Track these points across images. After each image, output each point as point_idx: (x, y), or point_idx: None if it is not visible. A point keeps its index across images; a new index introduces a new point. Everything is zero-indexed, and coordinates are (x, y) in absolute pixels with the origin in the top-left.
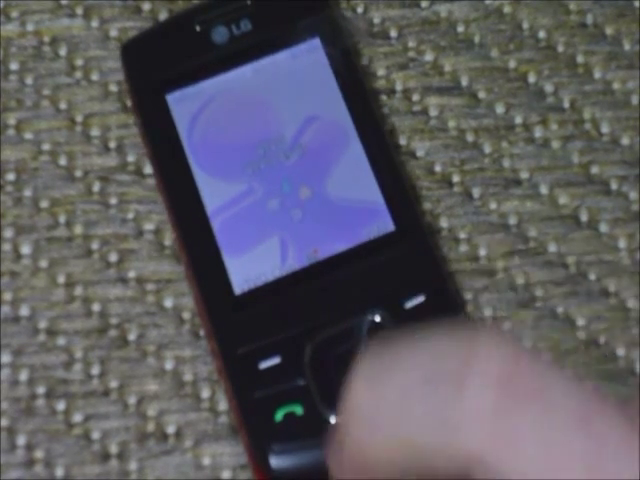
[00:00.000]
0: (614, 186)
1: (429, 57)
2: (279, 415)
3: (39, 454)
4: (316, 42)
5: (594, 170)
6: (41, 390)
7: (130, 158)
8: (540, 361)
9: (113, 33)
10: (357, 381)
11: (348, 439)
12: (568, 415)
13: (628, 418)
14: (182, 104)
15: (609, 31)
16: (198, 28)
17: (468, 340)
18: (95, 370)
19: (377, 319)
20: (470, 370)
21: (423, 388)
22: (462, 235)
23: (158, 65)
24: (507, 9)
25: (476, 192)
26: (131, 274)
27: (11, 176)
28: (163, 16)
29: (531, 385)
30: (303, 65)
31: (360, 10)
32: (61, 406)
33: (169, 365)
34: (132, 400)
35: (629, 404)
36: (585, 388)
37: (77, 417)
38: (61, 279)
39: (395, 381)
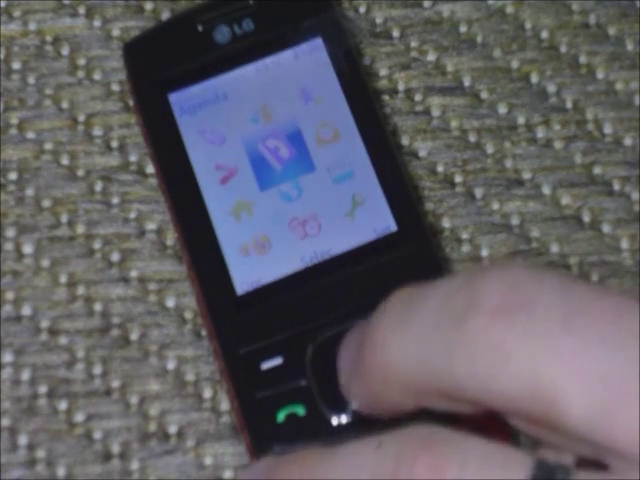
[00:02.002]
0: (616, 187)
1: (431, 57)
2: (281, 416)
3: (41, 453)
4: (318, 42)
5: (596, 171)
6: (43, 389)
7: (132, 158)
8: (536, 280)
9: (115, 33)
10: (385, 322)
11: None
12: (553, 320)
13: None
14: (184, 104)
15: (612, 31)
16: (200, 28)
17: (470, 280)
18: (97, 370)
19: None
20: (470, 307)
21: (434, 333)
22: (464, 235)
23: (160, 65)
24: (510, 9)
25: (478, 192)
26: (133, 274)
27: (13, 175)
28: (165, 16)
29: (523, 305)
30: (305, 65)
31: (362, 10)
32: (63, 406)
33: (171, 365)
34: (134, 400)
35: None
36: (576, 290)
37: (79, 417)
38: (63, 278)
39: (413, 330)
